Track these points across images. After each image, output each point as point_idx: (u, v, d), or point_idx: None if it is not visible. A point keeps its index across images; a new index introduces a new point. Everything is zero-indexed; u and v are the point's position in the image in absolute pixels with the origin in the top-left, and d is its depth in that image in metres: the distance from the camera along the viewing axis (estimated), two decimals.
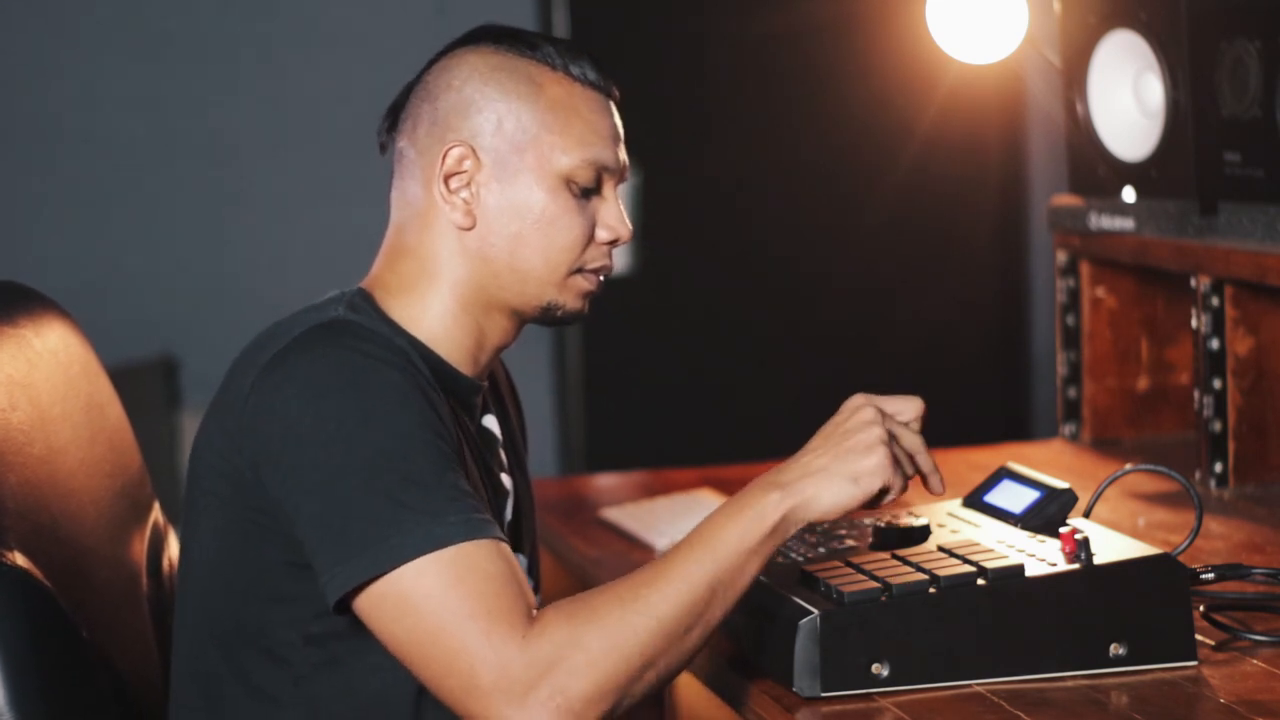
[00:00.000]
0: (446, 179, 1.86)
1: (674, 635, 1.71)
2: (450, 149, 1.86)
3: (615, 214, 1.90)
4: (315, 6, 4.79)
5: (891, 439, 1.82)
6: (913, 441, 1.85)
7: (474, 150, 1.86)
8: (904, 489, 1.83)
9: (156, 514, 2.12)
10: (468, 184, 1.86)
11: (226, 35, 4.75)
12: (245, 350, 1.85)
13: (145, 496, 2.10)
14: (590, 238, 1.89)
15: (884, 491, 1.80)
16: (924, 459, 1.85)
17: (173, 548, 2.11)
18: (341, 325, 1.80)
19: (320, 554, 1.72)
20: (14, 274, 2.10)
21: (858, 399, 1.84)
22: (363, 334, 1.79)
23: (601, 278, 1.92)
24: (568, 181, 1.87)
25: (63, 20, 4.67)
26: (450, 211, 1.87)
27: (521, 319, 1.91)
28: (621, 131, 1.92)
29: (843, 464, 1.79)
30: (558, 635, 1.67)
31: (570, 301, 1.90)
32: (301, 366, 1.76)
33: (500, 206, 1.86)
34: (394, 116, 1.93)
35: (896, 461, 1.81)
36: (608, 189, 1.90)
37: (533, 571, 2.01)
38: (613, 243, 1.91)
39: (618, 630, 1.69)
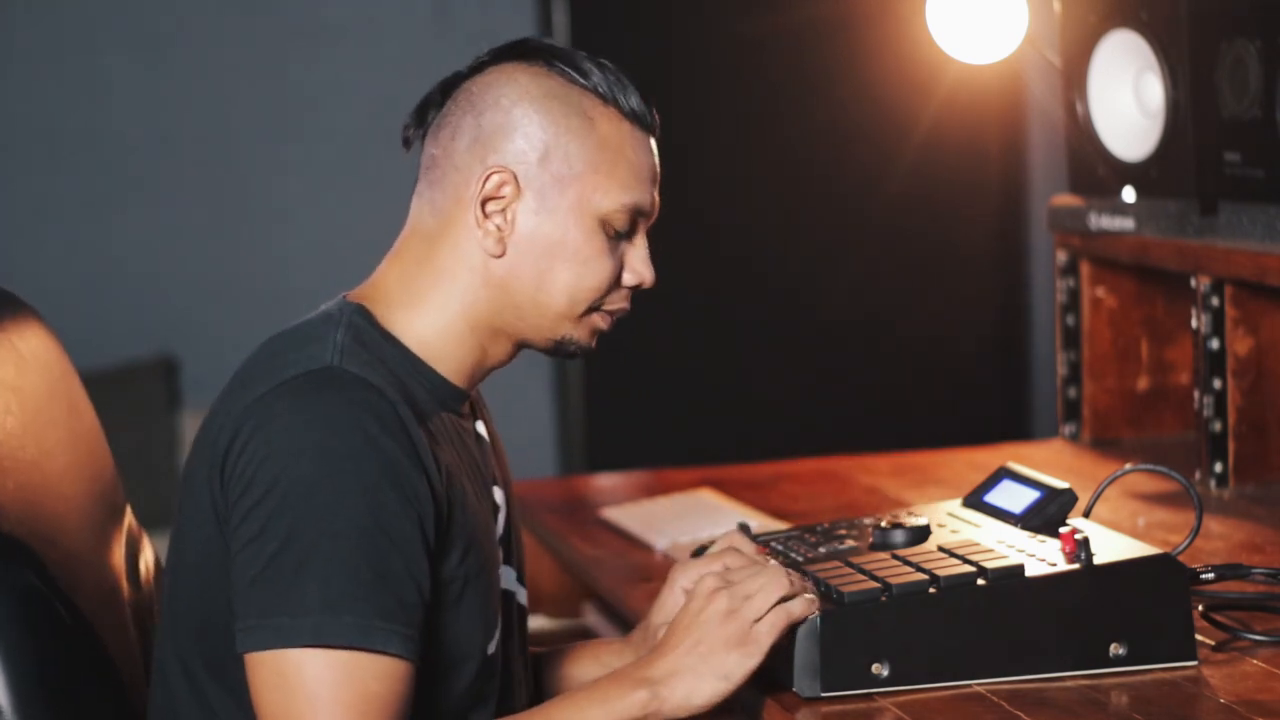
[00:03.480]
0: (484, 203, 1.82)
1: None
2: (492, 173, 1.81)
3: (643, 258, 1.87)
4: (315, 6, 4.79)
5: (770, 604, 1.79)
6: (766, 600, 1.79)
7: (516, 178, 1.82)
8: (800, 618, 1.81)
9: (130, 518, 2.11)
10: (503, 210, 1.82)
11: (226, 35, 4.76)
12: (239, 372, 1.82)
13: (120, 502, 2.09)
14: (617, 280, 1.86)
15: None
16: (794, 607, 1.81)
17: (148, 553, 2.11)
18: (331, 377, 1.75)
19: (234, 601, 1.72)
20: (14, 273, 2.10)
21: (709, 583, 1.80)
22: (351, 389, 1.74)
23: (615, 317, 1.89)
24: (604, 223, 1.84)
25: (63, 20, 4.67)
26: (483, 237, 1.82)
27: (525, 347, 1.89)
28: (659, 171, 1.89)
29: (710, 663, 1.77)
30: None
31: (583, 338, 1.87)
32: (278, 418, 1.72)
33: (534, 239, 1.83)
34: (424, 114, 1.87)
35: (771, 623, 1.78)
36: (640, 232, 1.88)
37: (521, 580, 2.00)
38: (635, 286, 1.88)
39: None
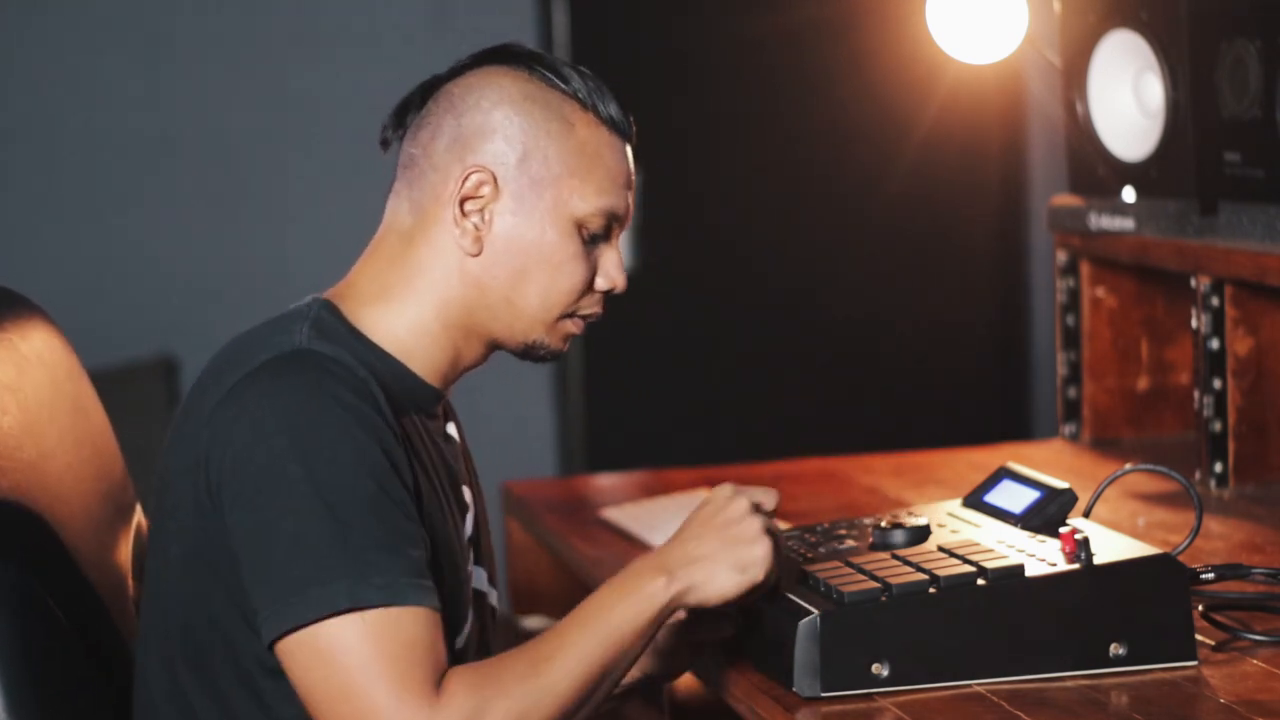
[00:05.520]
0: (462, 201, 1.84)
1: (569, 709, 1.75)
2: (471, 173, 1.84)
3: (616, 263, 1.90)
4: (315, 6, 4.79)
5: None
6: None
7: (494, 178, 1.84)
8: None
9: (139, 517, 2.11)
10: (481, 210, 1.85)
11: (226, 35, 4.75)
12: (207, 369, 1.83)
13: (128, 500, 2.09)
14: (590, 285, 1.89)
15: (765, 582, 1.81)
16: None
17: None
18: (301, 357, 1.77)
19: (253, 593, 1.72)
20: (14, 274, 2.10)
21: (727, 488, 1.83)
22: (322, 365, 1.77)
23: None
24: (579, 226, 1.86)
25: (63, 20, 4.67)
26: (460, 236, 1.84)
27: (497, 348, 1.91)
28: (634, 178, 1.91)
29: (729, 553, 1.79)
30: (466, 704, 1.69)
31: (554, 343, 1.90)
32: (254, 401, 1.74)
33: (510, 239, 1.85)
34: (403, 115, 1.90)
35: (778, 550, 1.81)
36: (614, 237, 1.90)
37: (492, 581, 2.00)
38: (608, 291, 1.91)
39: (521, 702, 1.71)
